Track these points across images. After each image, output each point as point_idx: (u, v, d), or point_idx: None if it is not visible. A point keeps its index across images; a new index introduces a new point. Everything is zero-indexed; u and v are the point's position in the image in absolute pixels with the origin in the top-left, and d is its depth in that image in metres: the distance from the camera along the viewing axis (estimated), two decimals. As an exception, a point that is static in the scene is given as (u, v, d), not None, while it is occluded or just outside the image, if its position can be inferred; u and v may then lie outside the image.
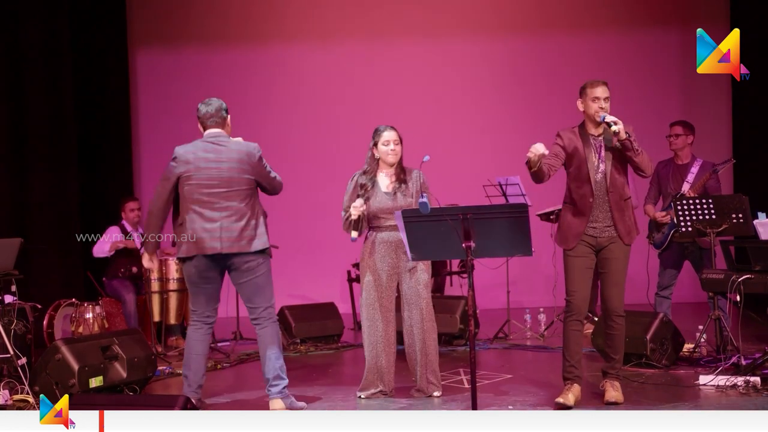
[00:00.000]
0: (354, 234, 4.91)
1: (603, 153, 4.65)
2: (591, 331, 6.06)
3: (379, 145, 5.02)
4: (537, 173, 4.52)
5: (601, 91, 4.63)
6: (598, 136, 4.67)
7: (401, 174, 5.04)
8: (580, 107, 4.72)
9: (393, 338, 5.06)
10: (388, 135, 5.02)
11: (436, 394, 4.98)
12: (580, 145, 4.68)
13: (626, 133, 4.53)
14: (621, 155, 4.63)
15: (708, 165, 6.45)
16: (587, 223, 4.65)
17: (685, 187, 6.36)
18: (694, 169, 6.41)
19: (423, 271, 4.99)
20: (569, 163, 4.73)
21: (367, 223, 5.04)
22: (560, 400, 4.57)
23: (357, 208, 4.88)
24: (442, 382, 5.19)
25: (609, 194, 4.63)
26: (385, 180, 5.05)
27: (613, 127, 4.48)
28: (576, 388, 4.64)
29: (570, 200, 4.75)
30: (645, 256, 6.43)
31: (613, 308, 4.72)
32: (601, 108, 4.61)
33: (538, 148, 4.38)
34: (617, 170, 4.67)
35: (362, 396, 5.02)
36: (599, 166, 4.64)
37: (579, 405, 4.61)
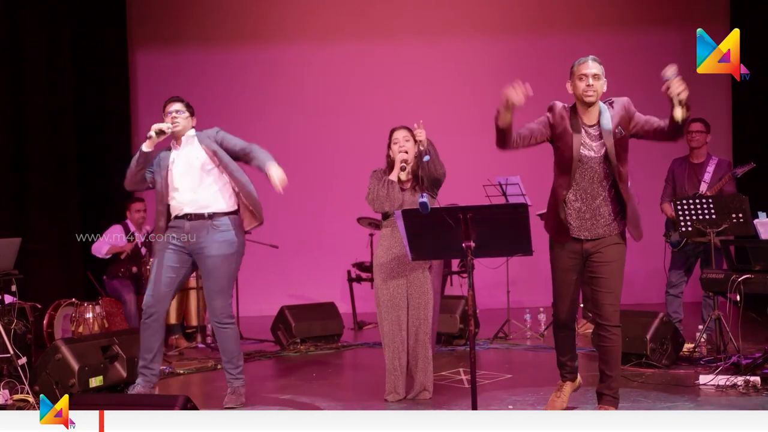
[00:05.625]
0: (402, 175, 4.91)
1: (596, 142, 4.11)
2: (591, 331, 6.06)
3: (392, 146, 5.01)
4: (504, 132, 3.96)
5: (586, 67, 4.07)
6: (591, 126, 4.12)
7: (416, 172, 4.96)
8: (570, 89, 4.18)
9: (404, 339, 4.95)
10: (397, 134, 5.00)
11: (426, 396, 4.92)
12: (568, 127, 4.12)
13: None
14: (621, 143, 4.11)
15: (724, 163, 6.36)
16: (566, 218, 4.14)
17: (703, 188, 6.27)
18: (710, 168, 6.31)
19: (431, 270, 4.95)
20: (555, 145, 4.16)
21: (383, 218, 5.00)
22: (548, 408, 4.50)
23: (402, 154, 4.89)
24: (442, 382, 5.23)
25: (610, 188, 4.12)
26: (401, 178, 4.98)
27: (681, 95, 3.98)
28: (568, 387, 4.54)
29: (552, 189, 4.22)
30: (662, 254, 6.30)
31: (607, 317, 4.18)
32: (589, 86, 4.05)
33: (513, 95, 3.77)
34: (619, 159, 4.10)
35: (388, 399, 4.89)
36: (588, 153, 4.10)
37: (578, 406, 4.61)
